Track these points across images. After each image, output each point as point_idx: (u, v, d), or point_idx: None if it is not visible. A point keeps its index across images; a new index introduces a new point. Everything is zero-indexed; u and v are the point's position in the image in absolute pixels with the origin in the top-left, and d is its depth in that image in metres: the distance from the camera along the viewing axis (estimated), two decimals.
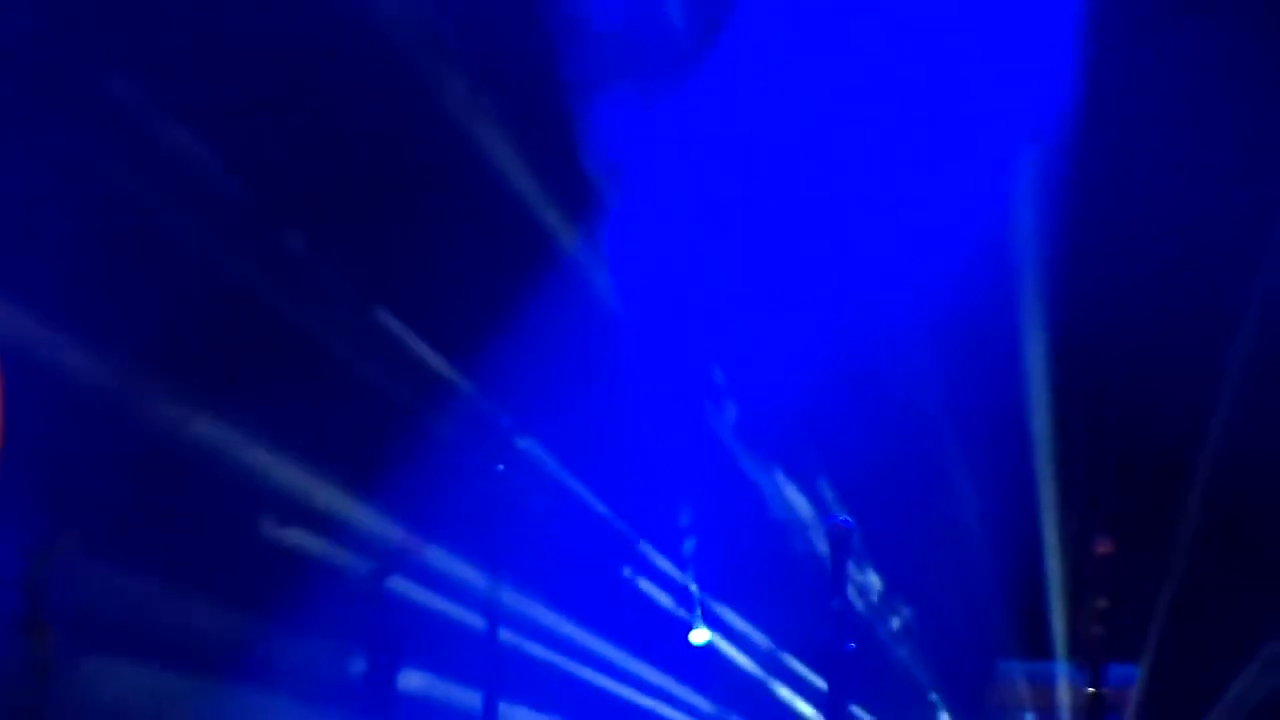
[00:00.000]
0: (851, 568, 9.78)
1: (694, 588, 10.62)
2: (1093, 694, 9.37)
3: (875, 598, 10.40)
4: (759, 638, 10.68)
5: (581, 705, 10.45)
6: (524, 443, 9.69)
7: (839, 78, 10.59)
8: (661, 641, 10.58)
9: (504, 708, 9.31)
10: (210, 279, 9.86)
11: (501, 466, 8.97)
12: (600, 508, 10.63)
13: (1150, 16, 10.21)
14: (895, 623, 10.59)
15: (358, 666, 9.53)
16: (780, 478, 10.73)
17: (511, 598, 9.76)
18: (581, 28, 10.53)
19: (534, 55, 10.50)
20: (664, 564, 10.68)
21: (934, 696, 10.69)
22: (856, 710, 10.19)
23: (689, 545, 10.65)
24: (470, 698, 9.52)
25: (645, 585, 10.69)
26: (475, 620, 9.54)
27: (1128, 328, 10.37)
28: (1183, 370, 10.28)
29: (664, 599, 10.70)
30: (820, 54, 10.61)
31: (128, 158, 9.61)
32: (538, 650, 10.38)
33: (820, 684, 9.69)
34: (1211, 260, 10.30)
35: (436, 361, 10.51)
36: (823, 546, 9.67)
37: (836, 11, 10.64)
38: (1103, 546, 9.48)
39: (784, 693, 10.59)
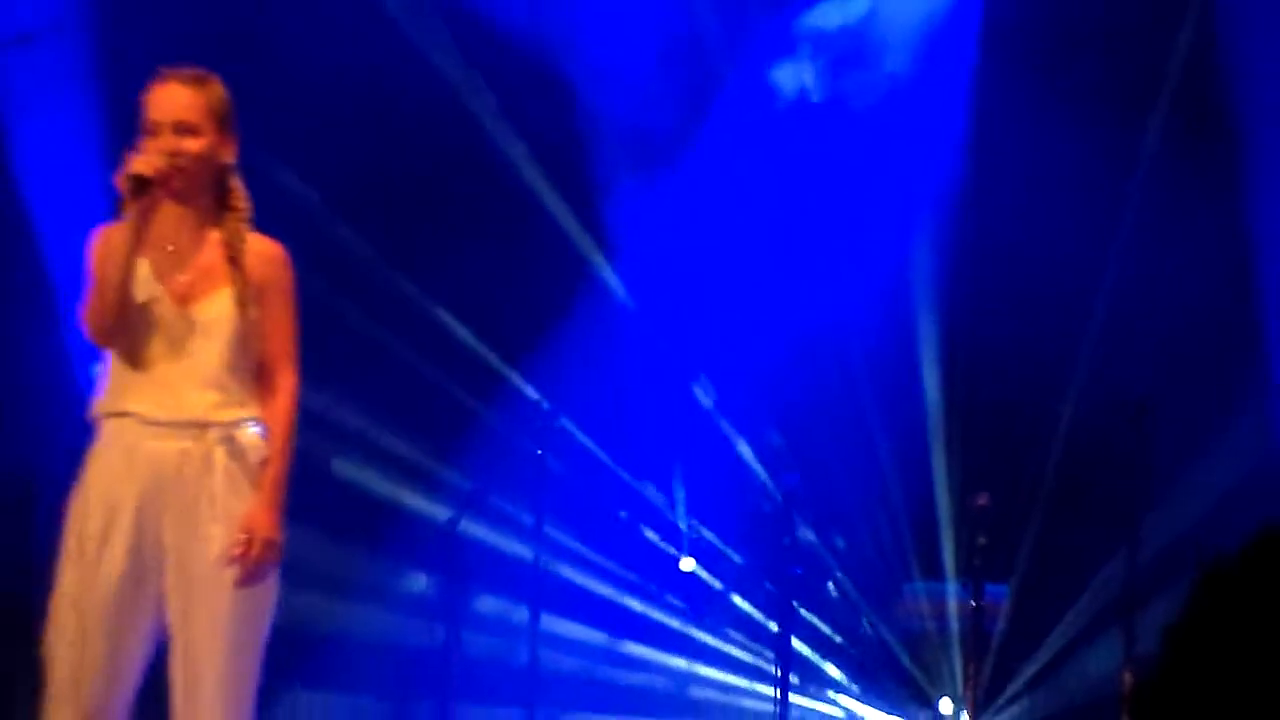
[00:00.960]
0: (797, 514, 9.97)
1: (684, 526, 10.70)
2: (974, 607, 9.58)
3: (814, 535, 10.53)
4: (731, 563, 10.77)
5: (600, 614, 10.54)
6: (560, 419, 9.93)
7: (795, 149, 10.75)
8: (659, 566, 10.67)
9: (545, 618, 9.52)
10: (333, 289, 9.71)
11: (540, 450, 9.24)
12: (613, 466, 10.69)
13: (1020, 111, 10.28)
14: (830, 553, 10.67)
15: (436, 588, 9.86)
16: (745, 443, 10.82)
17: (552, 533, 9.88)
18: (607, 118, 10.67)
19: (577, 131, 10.67)
20: (662, 508, 10.76)
21: (860, 608, 10.79)
22: (802, 616, 10.31)
23: (680, 494, 10.74)
24: (519, 611, 9.81)
25: (647, 526, 10.74)
26: (525, 551, 9.83)
27: (1000, 336, 10.51)
28: (1041, 369, 10.48)
29: (660, 536, 10.78)
30: (776, 135, 10.78)
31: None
32: (571, 573, 10.45)
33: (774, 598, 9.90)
34: (1061, 282, 10.43)
35: (496, 360, 10.62)
36: (777, 496, 10.01)
37: (782, 115, 10.80)
38: (981, 499, 9.85)
39: (746, 605, 10.74)
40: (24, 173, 9.52)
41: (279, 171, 9.53)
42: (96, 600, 5.95)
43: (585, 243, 10.84)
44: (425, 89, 10.38)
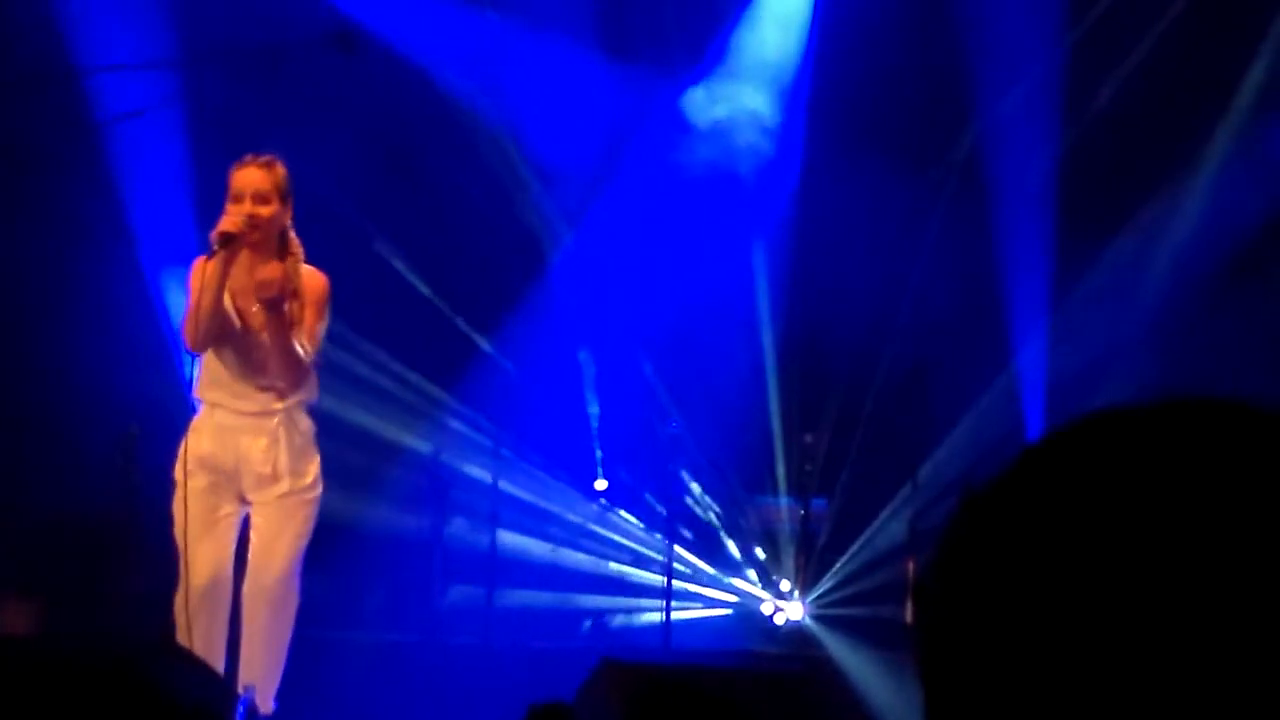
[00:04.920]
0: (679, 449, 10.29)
1: (598, 454, 10.59)
2: (803, 515, 10.01)
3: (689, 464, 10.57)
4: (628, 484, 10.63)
5: (541, 517, 10.38)
6: (521, 378, 10.11)
7: (679, 188, 10.72)
8: (585, 485, 10.57)
9: (502, 521, 9.71)
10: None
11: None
12: (548, 406, 10.53)
13: (850, 160, 10.28)
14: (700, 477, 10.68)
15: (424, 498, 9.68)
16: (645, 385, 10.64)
17: (507, 454, 9.99)
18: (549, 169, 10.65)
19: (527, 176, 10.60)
20: (588, 441, 10.63)
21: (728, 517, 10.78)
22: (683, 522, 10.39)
23: (596, 430, 10.63)
24: (482, 515, 9.71)
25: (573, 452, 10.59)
26: (485, 474, 9.86)
27: (825, 322, 10.51)
28: (855, 345, 10.44)
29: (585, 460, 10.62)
30: (668, 178, 10.74)
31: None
32: (517, 489, 10.26)
33: (662, 510, 10.23)
34: (871, 284, 10.38)
35: (467, 326, 10.44)
36: (666, 437, 10.30)
37: (673, 165, 10.80)
38: (809, 438, 10.03)
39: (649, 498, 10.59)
40: (132, 206, 9.56)
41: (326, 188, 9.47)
42: (201, 521, 6.41)
43: (530, 250, 10.77)
44: (429, 138, 10.36)
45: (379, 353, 10.04)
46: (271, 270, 6.33)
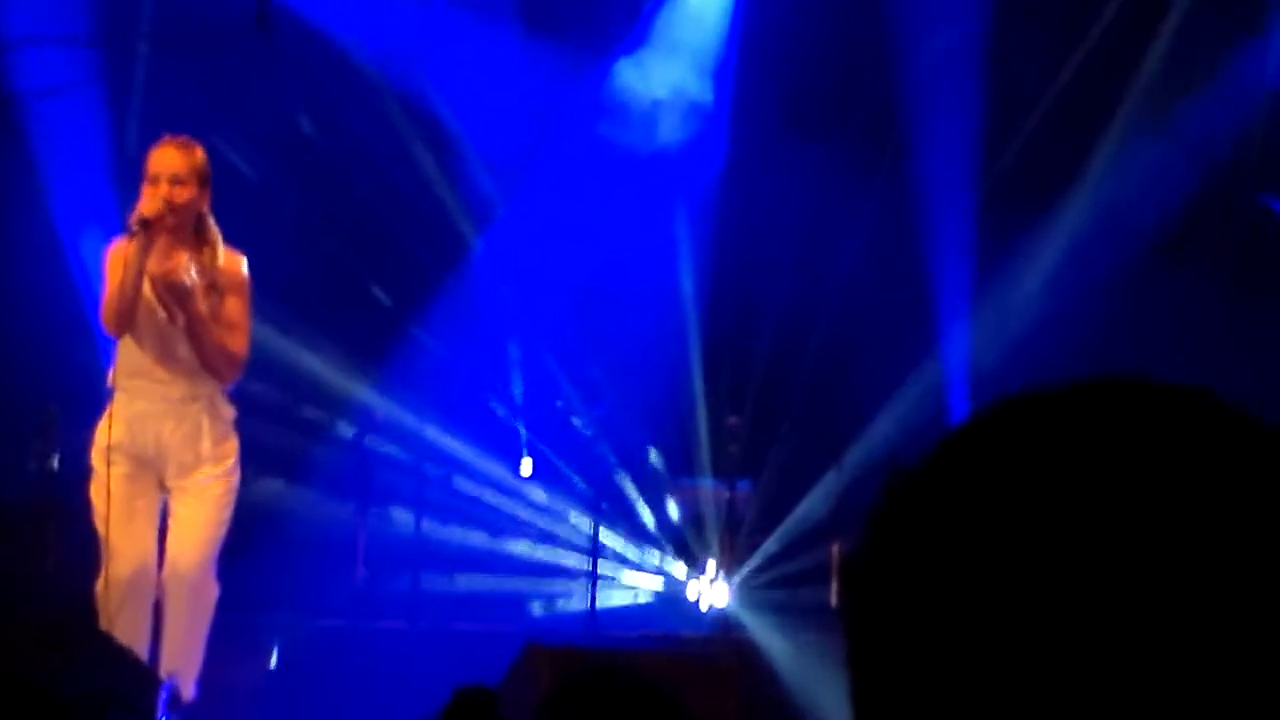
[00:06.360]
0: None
1: (523, 436, 10.57)
2: (729, 497, 10.03)
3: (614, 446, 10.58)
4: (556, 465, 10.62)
5: (467, 505, 10.43)
6: (445, 360, 10.10)
7: (603, 173, 10.69)
8: (510, 467, 10.53)
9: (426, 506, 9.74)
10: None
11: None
12: (473, 387, 10.54)
13: (763, 144, 10.43)
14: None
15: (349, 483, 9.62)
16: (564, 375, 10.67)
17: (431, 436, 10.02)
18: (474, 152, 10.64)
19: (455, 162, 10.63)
20: (513, 423, 10.63)
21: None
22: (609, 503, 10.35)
23: (520, 407, 10.67)
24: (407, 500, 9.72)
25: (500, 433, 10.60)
26: (409, 457, 9.82)
27: (747, 296, 10.64)
28: (781, 329, 10.54)
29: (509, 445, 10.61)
30: (592, 162, 10.71)
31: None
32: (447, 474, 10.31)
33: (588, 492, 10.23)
34: (800, 270, 10.51)
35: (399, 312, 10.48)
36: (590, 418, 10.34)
37: (597, 150, 10.78)
38: (733, 420, 10.07)
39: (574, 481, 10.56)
40: (51, 180, 9.47)
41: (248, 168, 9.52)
42: (122, 510, 6.34)
43: (454, 230, 10.75)
44: (351, 118, 10.38)
45: (302, 334, 10.00)
46: (175, 262, 6.28)
